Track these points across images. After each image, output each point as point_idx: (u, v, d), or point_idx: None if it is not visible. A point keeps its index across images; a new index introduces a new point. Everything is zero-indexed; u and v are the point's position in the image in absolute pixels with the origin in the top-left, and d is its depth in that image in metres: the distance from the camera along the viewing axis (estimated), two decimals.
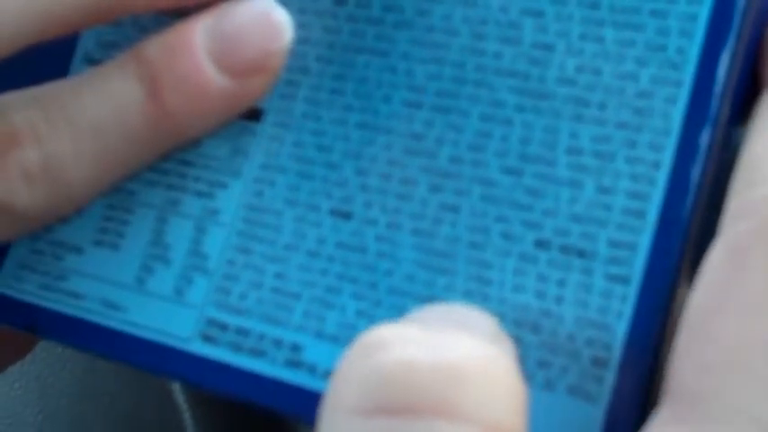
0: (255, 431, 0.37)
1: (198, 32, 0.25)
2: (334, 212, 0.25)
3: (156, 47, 0.25)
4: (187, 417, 0.39)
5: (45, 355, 0.41)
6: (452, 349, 0.19)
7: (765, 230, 0.20)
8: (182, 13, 0.26)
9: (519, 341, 0.22)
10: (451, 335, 0.19)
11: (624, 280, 0.22)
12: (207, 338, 0.25)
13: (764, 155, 0.21)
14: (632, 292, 0.22)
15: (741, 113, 0.23)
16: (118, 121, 0.25)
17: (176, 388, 0.38)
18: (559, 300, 0.22)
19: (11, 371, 0.41)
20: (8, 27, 0.24)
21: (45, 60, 0.29)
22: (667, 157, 0.22)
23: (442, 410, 0.18)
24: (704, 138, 0.22)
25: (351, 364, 0.19)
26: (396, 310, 0.23)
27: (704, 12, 0.22)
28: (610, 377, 0.22)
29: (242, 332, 0.25)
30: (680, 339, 0.20)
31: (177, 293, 0.26)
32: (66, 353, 0.40)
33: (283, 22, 0.25)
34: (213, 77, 0.25)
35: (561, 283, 0.22)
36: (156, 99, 0.25)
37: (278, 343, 0.24)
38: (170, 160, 0.26)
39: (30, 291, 0.27)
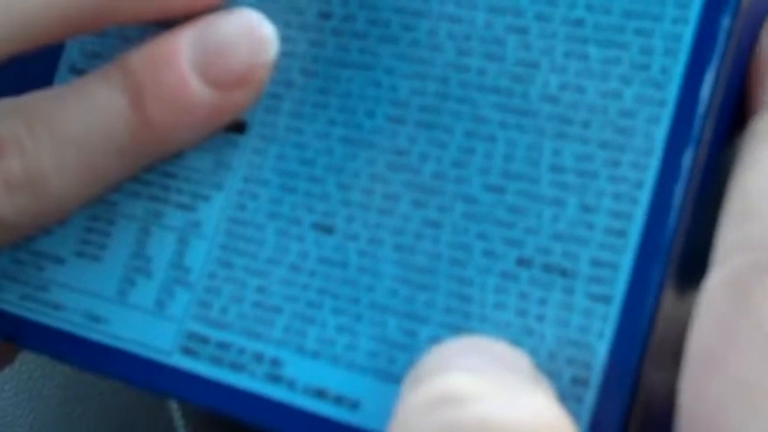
0: None
1: (183, 44, 0.25)
2: (316, 227, 0.24)
3: (140, 58, 0.25)
4: (178, 417, 0.39)
5: (36, 357, 0.41)
6: (524, 409, 0.19)
7: (765, 265, 0.20)
8: (167, 25, 0.26)
9: None
10: (520, 391, 0.19)
11: (605, 299, 0.22)
12: (187, 352, 0.25)
13: (757, 188, 0.21)
14: (613, 311, 0.22)
15: (727, 133, 0.22)
16: (101, 132, 0.25)
17: None
18: (540, 318, 0.22)
19: (2, 374, 0.41)
20: None
21: (30, 70, 0.28)
22: (650, 177, 0.22)
23: None
24: (687, 158, 0.22)
25: (419, 416, 0.19)
26: (376, 325, 0.23)
27: (689, 31, 0.22)
28: (590, 397, 0.21)
29: (222, 346, 0.25)
30: (688, 377, 0.20)
31: (158, 306, 0.25)
32: (51, 362, 0.40)
33: (269, 36, 0.25)
34: (197, 89, 0.25)
35: (542, 302, 0.22)
36: (139, 110, 0.25)
37: (258, 357, 0.24)
38: (153, 172, 0.26)
39: (11, 301, 0.27)
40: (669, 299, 0.22)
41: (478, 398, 0.19)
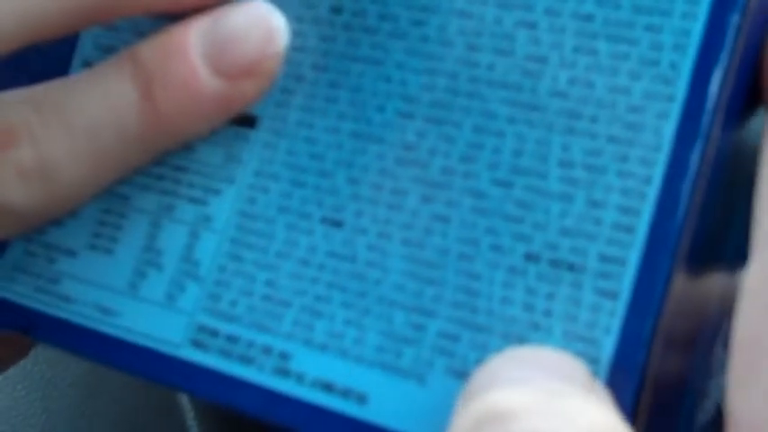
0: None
1: (193, 35, 0.25)
2: (326, 221, 0.25)
3: (150, 48, 0.25)
4: (190, 417, 0.39)
5: (48, 355, 0.41)
6: (575, 420, 0.19)
7: None
8: (179, 16, 0.26)
9: None
10: (572, 402, 0.19)
11: (613, 295, 0.22)
12: (197, 345, 0.25)
13: None
14: (621, 307, 0.22)
15: (738, 127, 0.22)
16: (112, 121, 0.25)
17: None
18: (548, 313, 0.22)
19: (14, 371, 0.41)
20: (5, 27, 0.24)
21: (44, 64, 0.29)
22: (658, 173, 0.22)
23: None
24: (695, 154, 0.22)
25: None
26: (384, 319, 0.23)
27: (698, 27, 0.22)
28: None
29: (232, 339, 0.25)
30: (735, 367, 0.20)
31: (169, 299, 0.26)
32: (67, 355, 0.41)
33: (279, 27, 0.25)
34: (207, 80, 0.25)
35: (550, 297, 0.22)
36: (149, 100, 0.25)
37: (267, 350, 0.24)
38: (164, 165, 0.26)
39: (24, 293, 0.27)
40: (679, 290, 0.22)
41: (528, 412, 0.19)
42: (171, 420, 0.39)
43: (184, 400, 0.40)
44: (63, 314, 0.27)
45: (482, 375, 0.21)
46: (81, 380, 0.40)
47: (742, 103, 0.22)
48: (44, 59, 0.29)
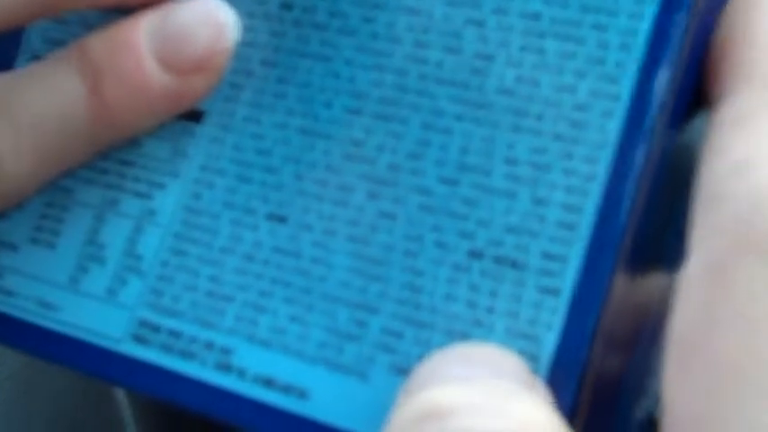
0: (196, 430, 0.37)
1: (142, 29, 0.25)
2: (271, 216, 0.24)
3: (98, 42, 0.25)
4: (127, 414, 0.39)
5: None
6: (510, 418, 0.19)
7: (743, 246, 0.19)
8: (129, 10, 0.26)
9: None
10: (510, 401, 0.19)
11: (555, 292, 0.22)
12: (138, 339, 0.25)
13: (726, 170, 0.20)
14: (562, 304, 0.22)
15: (681, 127, 0.23)
16: (58, 115, 0.25)
17: None
18: (490, 310, 0.22)
19: None
20: None
21: None
22: (602, 171, 0.22)
23: None
24: (639, 152, 0.22)
25: (410, 426, 0.19)
26: (328, 315, 0.23)
27: (644, 27, 0.22)
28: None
29: (174, 334, 0.25)
30: (671, 364, 0.20)
31: (110, 294, 0.25)
32: (3, 349, 0.40)
33: (229, 22, 0.25)
34: (155, 75, 0.25)
35: (493, 294, 0.22)
36: (97, 94, 0.25)
37: (209, 346, 0.24)
38: (109, 159, 0.26)
39: None
40: (620, 289, 0.22)
41: (466, 410, 0.19)
42: (108, 416, 0.38)
43: (121, 395, 0.40)
44: (4, 308, 0.26)
45: (423, 372, 0.21)
46: (17, 374, 0.40)
47: (687, 104, 0.22)
48: None
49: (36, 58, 0.28)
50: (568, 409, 0.21)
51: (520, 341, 0.22)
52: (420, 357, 0.22)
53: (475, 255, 0.22)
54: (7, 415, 0.39)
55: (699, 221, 0.20)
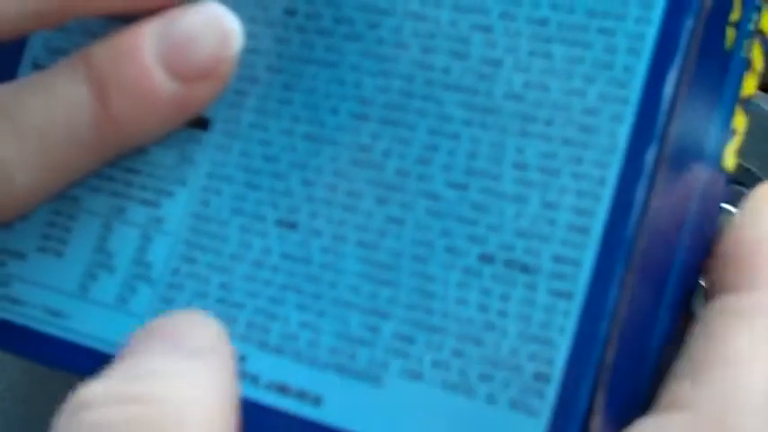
0: None
1: (147, 37, 0.25)
2: (280, 223, 0.25)
3: (104, 50, 0.25)
4: None
5: None
6: (147, 404, 0.20)
7: None
8: (131, 19, 0.26)
9: (461, 355, 0.22)
10: (150, 383, 0.20)
11: (567, 295, 0.22)
12: None
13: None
14: (575, 307, 0.22)
15: (692, 135, 0.23)
16: (64, 124, 0.25)
17: None
18: (502, 314, 0.22)
19: None
20: None
21: None
22: (612, 174, 0.22)
23: None
24: (649, 156, 0.22)
25: (62, 422, 0.20)
26: (339, 321, 0.23)
27: (652, 31, 0.22)
28: (551, 392, 0.22)
29: None
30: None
31: (120, 302, 0.25)
32: (3, 356, 0.40)
33: (234, 29, 0.25)
34: (161, 82, 0.25)
35: (505, 298, 0.22)
36: (103, 103, 0.25)
37: None
38: (116, 167, 0.26)
39: None
40: (632, 291, 0.22)
41: (108, 400, 0.20)
42: None
43: None
44: (12, 317, 0.26)
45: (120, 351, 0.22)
46: (16, 384, 0.40)
47: (698, 107, 0.23)
48: None
49: (38, 66, 0.28)
50: (583, 412, 0.21)
51: (533, 345, 0.22)
52: (433, 362, 0.22)
53: (486, 259, 0.23)
54: (7, 424, 0.39)
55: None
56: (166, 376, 0.20)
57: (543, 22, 0.23)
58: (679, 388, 0.22)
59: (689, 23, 0.22)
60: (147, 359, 0.21)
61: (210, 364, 0.21)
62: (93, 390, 0.20)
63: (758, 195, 0.24)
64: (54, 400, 0.39)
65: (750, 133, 0.24)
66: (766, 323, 0.22)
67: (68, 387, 0.38)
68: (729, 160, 0.25)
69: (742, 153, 0.24)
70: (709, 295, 0.23)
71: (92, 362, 0.25)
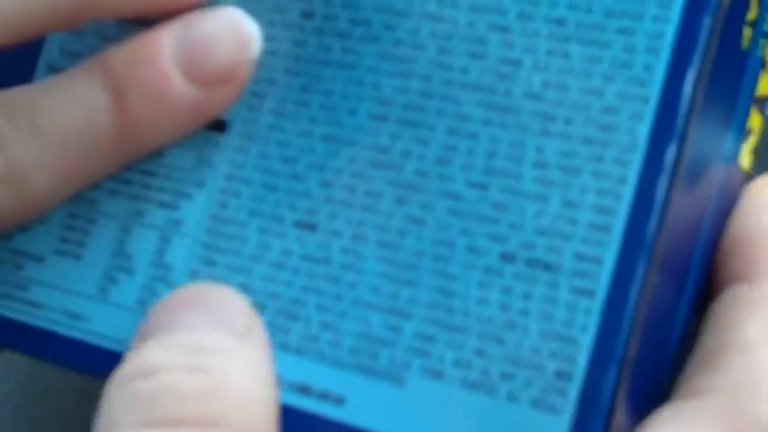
0: None
1: (165, 41, 0.25)
2: (299, 224, 0.25)
3: (122, 54, 0.25)
4: None
5: None
6: (212, 375, 0.21)
7: None
8: (147, 24, 0.26)
9: (483, 353, 0.22)
10: (213, 355, 0.21)
11: (589, 293, 0.22)
12: None
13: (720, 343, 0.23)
14: (597, 305, 0.22)
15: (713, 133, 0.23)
16: (83, 127, 0.25)
17: None
18: (524, 312, 0.22)
19: None
20: None
21: (8, 69, 0.28)
22: (633, 173, 0.22)
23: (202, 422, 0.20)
24: (670, 154, 0.22)
25: (115, 388, 0.21)
26: (360, 321, 0.23)
27: (670, 29, 0.22)
28: (573, 390, 0.22)
29: None
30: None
31: (141, 304, 0.25)
32: (13, 356, 0.40)
33: (252, 34, 0.25)
34: (179, 86, 0.25)
35: (526, 296, 0.22)
36: (121, 107, 0.25)
37: None
38: (133, 170, 0.26)
39: None
40: (654, 288, 0.22)
41: (167, 368, 0.21)
42: None
43: None
44: (31, 320, 0.26)
45: (153, 318, 0.22)
46: (26, 384, 0.40)
47: (718, 105, 0.23)
48: (8, 64, 0.28)
49: (53, 69, 0.28)
50: (606, 410, 0.21)
51: (555, 343, 0.22)
52: (454, 361, 0.23)
53: (507, 258, 0.23)
54: (17, 424, 0.39)
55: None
56: (223, 352, 0.21)
57: (561, 21, 0.23)
58: (695, 377, 0.22)
59: (707, 22, 0.22)
60: (197, 332, 0.21)
61: (256, 346, 0.22)
62: (153, 357, 0.21)
63: (759, 187, 0.24)
64: (63, 401, 0.39)
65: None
66: None
67: (77, 389, 0.38)
68: (745, 159, 0.25)
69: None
70: (718, 287, 0.24)
71: (112, 364, 0.25)
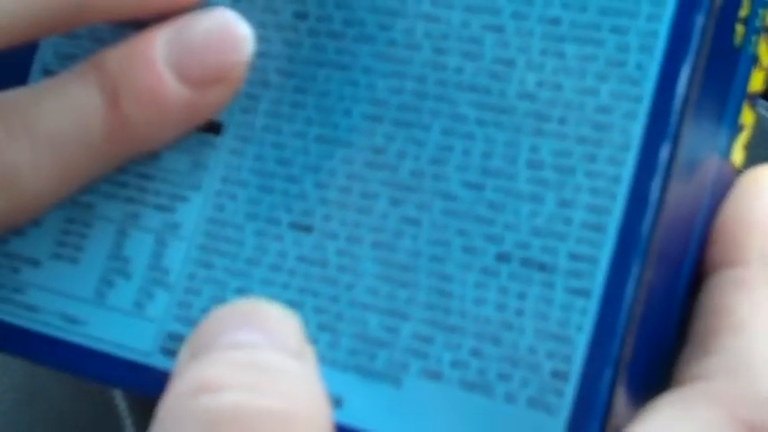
0: None
1: (158, 42, 0.25)
2: (295, 226, 0.25)
3: (115, 57, 0.25)
4: (128, 424, 0.39)
5: None
6: (276, 396, 0.20)
7: None
8: (141, 25, 0.26)
9: (479, 354, 0.22)
10: (276, 375, 0.20)
11: (584, 293, 0.22)
12: (168, 352, 0.25)
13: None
14: (592, 305, 0.22)
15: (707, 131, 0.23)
16: (77, 130, 0.25)
17: (117, 395, 0.38)
18: (520, 312, 0.22)
19: None
20: None
21: (2, 72, 0.28)
22: (627, 172, 0.22)
23: None
24: (663, 153, 0.22)
25: (182, 401, 0.20)
26: (357, 322, 0.24)
27: (664, 28, 0.22)
28: (569, 390, 0.22)
29: None
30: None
31: (137, 307, 0.25)
32: (5, 357, 0.40)
33: (245, 35, 0.25)
34: (173, 88, 0.25)
35: (522, 296, 0.22)
36: (115, 109, 0.25)
37: None
38: (129, 173, 0.26)
39: None
40: (649, 287, 0.22)
41: (233, 386, 0.20)
42: (109, 427, 0.38)
43: (122, 406, 0.40)
44: (27, 324, 0.27)
45: (203, 334, 0.21)
46: (19, 385, 0.40)
47: (711, 103, 0.23)
48: (2, 67, 0.28)
49: (48, 72, 0.28)
50: (602, 409, 0.21)
51: (550, 343, 0.22)
52: (452, 362, 0.23)
53: (502, 258, 0.23)
54: (10, 425, 0.39)
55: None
56: (284, 373, 0.20)
57: (555, 21, 0.23)
58: (690, 363, 0.23)
59: (700, 20, 0.22)
60: (255, 351, 0.21)
61: (311, 366, 0.21)
62: (215, 374, 0.20)
63: (750, 177, 0.25)
64: (56, 403, 0.39)
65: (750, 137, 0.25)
66: (764, 292, 0.23)
67: (71, 391, 0.38)
68: (738, 155, 0.25)
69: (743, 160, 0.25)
70: (708, 272, 0.24)
71: (109, 367, 0.25)
